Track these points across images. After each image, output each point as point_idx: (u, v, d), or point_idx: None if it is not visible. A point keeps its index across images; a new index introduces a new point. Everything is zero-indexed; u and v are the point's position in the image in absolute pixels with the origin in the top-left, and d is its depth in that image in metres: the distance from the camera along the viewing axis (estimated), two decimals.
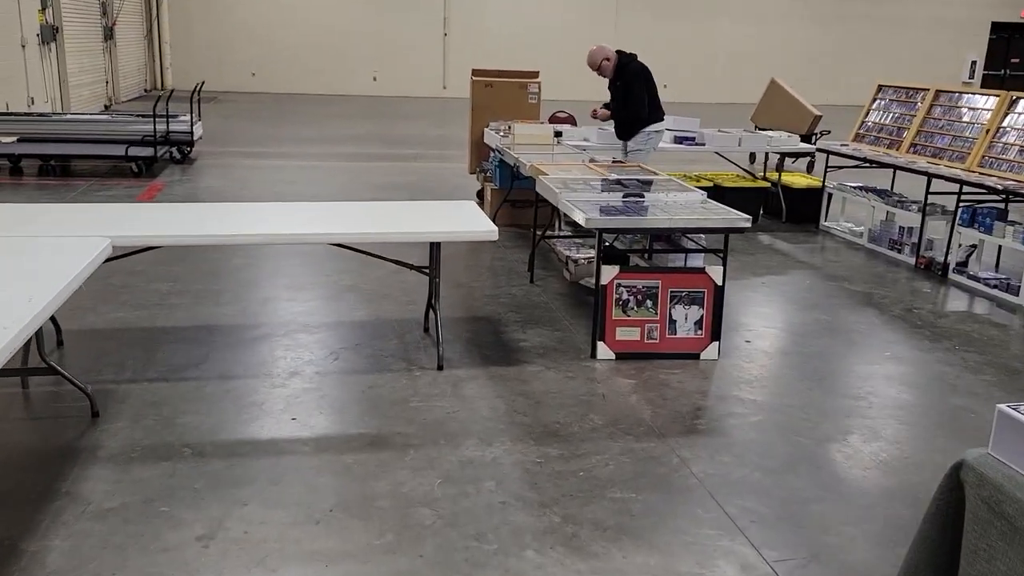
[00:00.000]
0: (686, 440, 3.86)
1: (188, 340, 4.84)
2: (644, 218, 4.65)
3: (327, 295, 5.73)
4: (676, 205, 4.98)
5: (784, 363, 4.83)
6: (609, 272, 4.70)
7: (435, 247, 4.61)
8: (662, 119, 7.35)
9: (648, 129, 7.24)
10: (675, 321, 4.80)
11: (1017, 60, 26.88)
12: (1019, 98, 6.84)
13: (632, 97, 7.02)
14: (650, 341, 4.79)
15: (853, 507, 3.35)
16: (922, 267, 7.01)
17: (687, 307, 4.79)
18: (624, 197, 5.11)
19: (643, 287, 4.74)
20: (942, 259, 6.85)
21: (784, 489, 3.47)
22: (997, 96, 7.04)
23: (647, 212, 4.80)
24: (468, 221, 4.62)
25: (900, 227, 7.43)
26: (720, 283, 4.78)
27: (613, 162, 6.49)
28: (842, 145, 8.51)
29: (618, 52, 7.11)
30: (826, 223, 8.47)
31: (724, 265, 4.79)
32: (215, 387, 4.24)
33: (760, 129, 12.22)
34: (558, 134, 7.65)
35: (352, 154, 12.29)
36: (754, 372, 4.68)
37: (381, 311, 5.45)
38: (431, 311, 4.92)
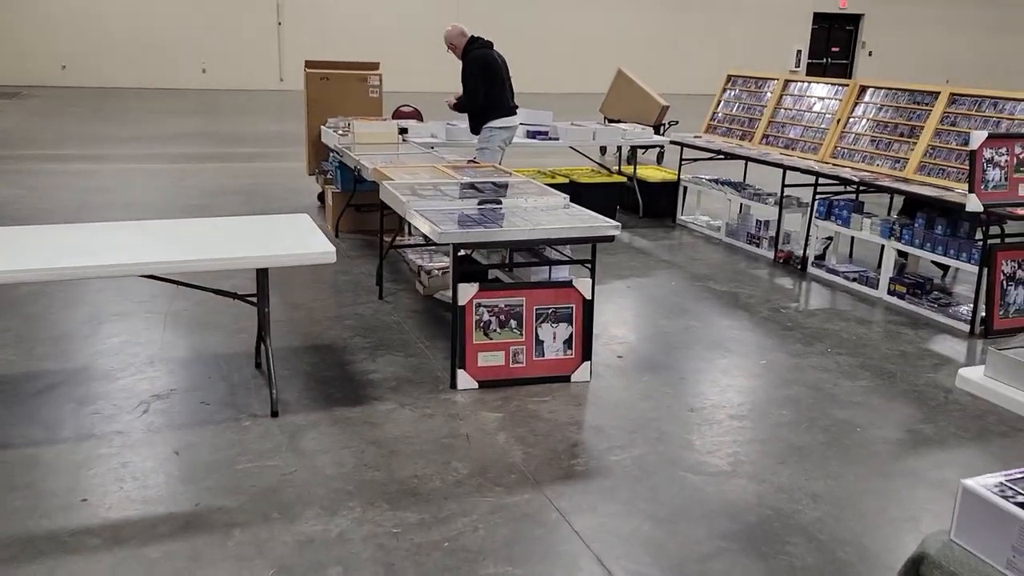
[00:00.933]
0: (564, 487, 3.37)
1: None
2: (504, 229, 4.12)
3: (137, 327, 4.88)
4: (537, 212, 4.49)
5: (660, 381, 4.44)
6: (467, 291, 4.15)
7: (262, 274, 3.90)
8: (508, 115, 6.88)
9: (489, 125, 6.75)
10: (542, 342, 4.31)
11: (837, 49, 28.38)
12: (867, 87, 6.81)
13: (465, 89, 6.55)
14: (516, 365, 4.29)
15: (757, 559, 2.96)
16: (781, 261, 6.89)
17: (555, 325, 4.31)
18: (480, 204, 4.57)
19: (506, 306, 4.22)
20: (800, 253, 6.74)
21: (679, 542, 3.04)
22: (845, 85, 7.00)
23: (506, 221, 4.28)
24: (302, 240, 3.94)
25: (757, 220, 7.30)
26: (589, 297, 4.34)
27: (468, 163, 5.94)
28: (695, 137, 8.34)
29: (472, 38, 6.59)
30: (683, 217, 8.28)
31: (593, 277, 4.35)
32: None
33: (610, 120, 12.04)
34: (403, 131, 7.03)
35: (178, 155, 11.14)
36: (630, 394, 4.27)
37: (204, 344, 4.67)
38: (262, 345, 4.21)
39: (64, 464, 3.39)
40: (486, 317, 4.21)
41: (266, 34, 21.17)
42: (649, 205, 8.48)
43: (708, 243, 7.56)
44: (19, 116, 14.32)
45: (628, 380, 4.44)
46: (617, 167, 8.98)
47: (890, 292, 5.90)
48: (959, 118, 5.94)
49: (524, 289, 4.27)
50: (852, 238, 6.93)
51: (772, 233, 7.09)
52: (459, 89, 6.72)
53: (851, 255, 7.12)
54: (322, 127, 7.46)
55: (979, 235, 5.30)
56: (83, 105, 16.39)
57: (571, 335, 4.34)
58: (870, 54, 27.87)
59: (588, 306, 4.34)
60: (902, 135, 6.31)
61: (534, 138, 8.00)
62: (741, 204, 7.60)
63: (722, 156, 7.73)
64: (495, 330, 4.23)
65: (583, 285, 4.32)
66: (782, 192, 6.91)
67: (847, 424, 4.02)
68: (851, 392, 4.37)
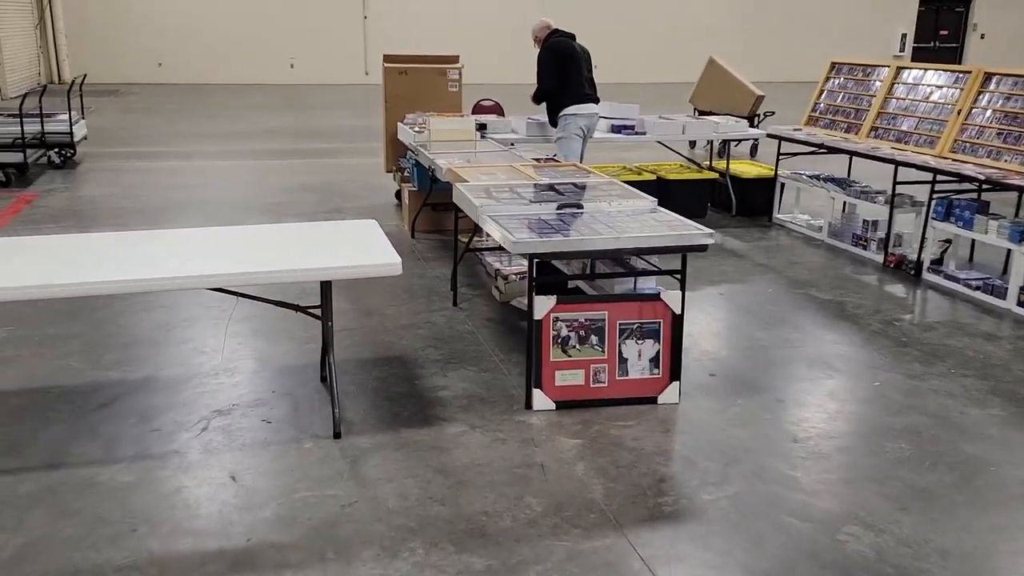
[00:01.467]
0: (650, 531, 3.00)
1: (13, 411, 3.79)
2: (585, 238, 3.76)
3: (204, 335, 4.72)
4: (622, 217, 4.11)
5: (757, 404, 4.01)
6: (544, 304, 3.81)
7: (326, 286, 3.65)
8: (584, 102, 6.56)
9: (565, 113, 6.51)
10: (626, 360, 3.93)
11: (946, 32, 26.77)
12: (992, 75, 6.14)
13: (538, 75, 6.38)
14: (597, 385, 3.92)
15: None
16: (891, 266, 6.30)
17: (640, 342, 3.92)
18: (559, 209, 4.21)
19: (586, 320, 3.86)
20: (914, 257, 6.14)
21: None
22: (968, 73, 6.34)
23: (587, 228, 3.91)
24: (367, 249, 3.67)
25: (864, 220, 6.71)
26: (679, 311, 3.93)
27: (545, 160, 5.59)
28: (794, 129, 7.76)
29: (554, 30, 6.39)
30: (780, 216, 7.73)
31: (683, 290, 3.94)
32: (34, 483, 3.22)
33: (700, 111, 11.49)
34: (481, 127, 6.72)
35: (262, 151, 11.15)
36: (723, 419, 3.85)
37: (270, 355, 4.47)
38: (327, 359, 3.96)
39: (119, 487, 3.21)
40: (564, 332, 3.85)
41: (352, 28, 21.25)
42: (743, 203, 7.95)
43: (808, 245, 7.01)
44: (115, 114, 14.67)
45: (721, 402, 4.01)
46: (708, 162, 8.47)
47: (1020, 303, 5.27)
48: None
49: (607, 302, 3.90)
50: (972, 241, 6.28)
51: (882, 234, 6.49)
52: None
53: (971, 259, 6.47)
54: (399, 123, 7.23)
55: None
56: (176, 102, 16.72)
57: (658, 353, 3.95)
58: (982, 37, 26.19)
59: (678, 321, 3.94)
60: None
61: (619, 132, 7.58)
62: (846, 202, 7.01)
63: (825, 150, 7.15)
64: (574, 346, 3.87)
65: (672, 298, 3.92)
66: (894, 190, 6.31)
67: (979, 461, 3.51)
68: (981, 423, 3.84)
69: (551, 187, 4.65)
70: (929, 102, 6.59)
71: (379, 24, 21.24)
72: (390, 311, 5.19)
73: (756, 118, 11.05)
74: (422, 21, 21.16)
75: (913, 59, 25.05)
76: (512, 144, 6.56)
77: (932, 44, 26.30)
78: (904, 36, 25.75)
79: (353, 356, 4.47)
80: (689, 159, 8.62)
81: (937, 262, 6.08)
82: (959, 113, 6.23)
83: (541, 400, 3.89)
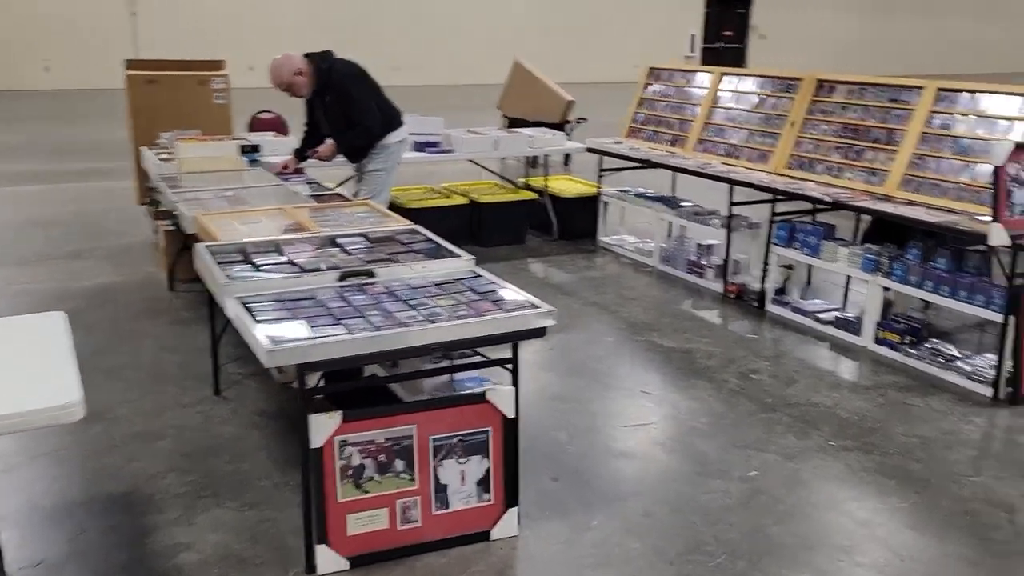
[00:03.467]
0: None
1: None
2: (377, 334, 2.64)
3: None
4: (429, 290, 3.04)
5: (619, 523, 3.07)
6: (324, 426, 2.67)
7: None
8: (402, 123, 5.45)
9: (387, 142, 5.33)
10: (446, 487, 2.87)
11: (731, 33, 27.81)
12: (825, 82, 5.61)
13: (357, 110, 5.07)
14: (408, 526, 2.84)
15: None
16: (733, 296, 5.65)
17: (463, 461, 2.88)
18: (341, 280, 3.07)
19: (387, 440, 2.76)
20: (757, 286, 5.50)
21: None
22: (798, 80, 5.79)
23: (381, 312, 2.81)
24: (34, 377, 2.37)
25: (698, 245, 6.04)
26: (512, 413, 2.92)
27: (329, 198, 4.42)
28: (615, 142, 7.02)
29: (309, 56, 5.06)
30: (605, 239, 6.97)
31: (516, 384, 2.93)
32: None
33: (509, 119, 10.66)
34: (250, 150, 5.42)
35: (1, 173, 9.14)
36: (578, 555, 2.88)
37: None
38: None
39: None
40: (357, 460, 2.73)
41: (117, 25, 18.80)
42: (565, 225, 7.12)
43: (639, 272, 6.26)
44: None
45: (572, 525, 3.05)
46: (524, 179, 7.58)
47: (877, 340, 4.71)
48: (950, 119, 4.79)
49: (413, 412, 2.82)
50: (809, 267, 5.75)
51: (718, 260, 5.84)
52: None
53: (808, 281, 5.95)
54: (142, 148, 5.78)
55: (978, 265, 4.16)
56: None
57: (488, 472, 2.92)
58: (762, 37, 27.39)
59: (511, 427, 2.93)
60: (876, 141, 5.14)
61: (423, 151, 6.51)
62: (676, 225, 6.34)
63: (652, 166, 6.44)
64: (372, 478, 2.76)
65: (502, 397, 2.90)
66: (730, 213, 5.66)
67: None
68: (893, 525, 3.11)
69: (333, 242, 3.50)
70: (759, 112, 6.01)
71: (150, 21, 18.94)
72: (123, 410, 3.84)
73: (568, 125, 10.37)
74: (202, 18, 19.06)
75: (703, 60, 25.75)
76: (297, 171, 5.28)
77: (718, 45, 27.19)
78: (693, 37, 26.45)
79: (52, 501, 3.12)
80: (503, 177, 7.70)
81: (781, 291, 5.48)
82: (792, 125, 5.67)
83: (329, 559, 2.75)
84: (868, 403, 4.08)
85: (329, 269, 3.12)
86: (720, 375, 4.39)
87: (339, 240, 3.50)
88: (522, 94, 10.59)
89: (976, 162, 4.56)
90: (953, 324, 5.08)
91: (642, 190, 6.79)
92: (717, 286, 5.78)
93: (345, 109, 5.06)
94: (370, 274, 3.11)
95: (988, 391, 4.13)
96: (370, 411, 2.76)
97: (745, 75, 6.29)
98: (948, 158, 4.70)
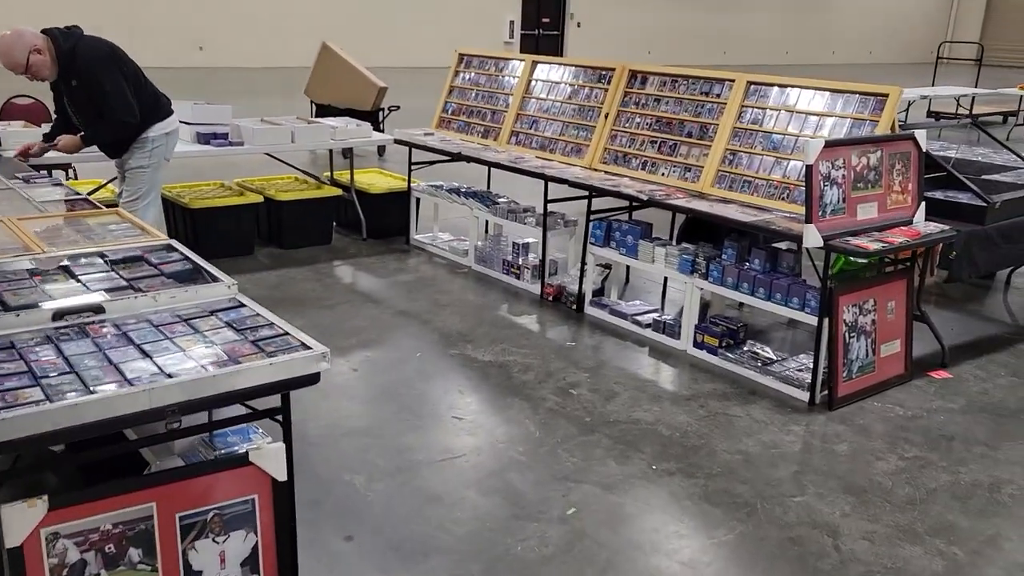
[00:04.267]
0: None
1: None
2: (82, 401, 2.04)
3: None
4: (178, 328, 2.44)
5: None
6: (24, 518, 2.04)
7: None
8: (170, 115, 4.71)
9: (150, 135, 4.59)
10: (200, 574, 2.31)
11: (548, 20, 27.98)
12: (637, 73, 5.39)
13: (107, 99, 4.28)
14: None
15: None
16: (550, 299, 5.35)
17: (222, 539, 2.33)
18: (57, 320, 2.42)
19: (116, 526, 2.17)
20: (575, 288, 5.22)
21: None
22: (611, 70, 5.54)
23: (102, 362, 2.20)
24: None
25: (515, 244, 5.70)
26: (283, 476, 2.40)
27: (77, 202, 3.67)
28: (426, 134, 6.56)
29: (47, 32, 4.24)
30: (418, 237, 6.50)
31: (289, 441, 2.41)
32: None
33: (318, 105, 9.96)
34: None
35: None
36: None
37: None
38: None
39: None
40: (75, 556, 2.13)
41: None
42: (374, 223, 6.59)
43: (455, 274, 5.85)
44: None
45: None
46: (329, 173, 6.97)
47: (696, 344, 4.54)
48: (761, 113, 4.66)
49: (152, 487, 2.23)
50: (627, 267, 5.55)
51: (535, 260, 5.52)
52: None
53: (627, 280, 5.76)
54: None
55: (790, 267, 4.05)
56: None
57: (255, 549, 2.39)
58: (579, 25, 27.74)
59: (283, 491, 2.41)
60: (690, 136, 4.96)
61: (208, 143, 5.77)
62: (492, 223, 5.97)
63: (464, 160, 6.02)
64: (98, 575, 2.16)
65: (269, 457, 2.37)
66: (546, 210, 5.35)
67: None
68: (713, 559, 2.85)
69: (65, 270, 2.81)
70: (572, 103, 5.72)
71: None
72: None
73: (380, 113, 9.80)
74: None
75: (522, 47, 25.75)
76: (46, 172, 4.42)
77: (536, 31, 27.27)
78: (512, 23, 26.38)
79: None
80: (304, 172, 7.05)
81: (599, 292, 5.23)
82: (606, 117, 5.42)
83: None
84: (690, 416, 3.86)
85: (43, 304, 2.46)
86: (538, 392, 4.05)
87: (69, 263, 2.82)
88: (331, 80, 9.91)
89: (787, 159, 4.46)
90: (767, 322, 5.01)
91: (456, 185, 6.37)
92: (535, 288, 5.47)
93: (93, 97, 4.28)
94: (97, 309, 2.48)
95: (805, 395, 4.02)
96: (87, 492, 2.15)
97: (558, 64, 5.99)
98: (760, 154, 4.58)
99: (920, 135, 4.16)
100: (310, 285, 5.49)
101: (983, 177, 5.32)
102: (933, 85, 16.39)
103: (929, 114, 15.40)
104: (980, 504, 3.22)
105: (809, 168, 3.75)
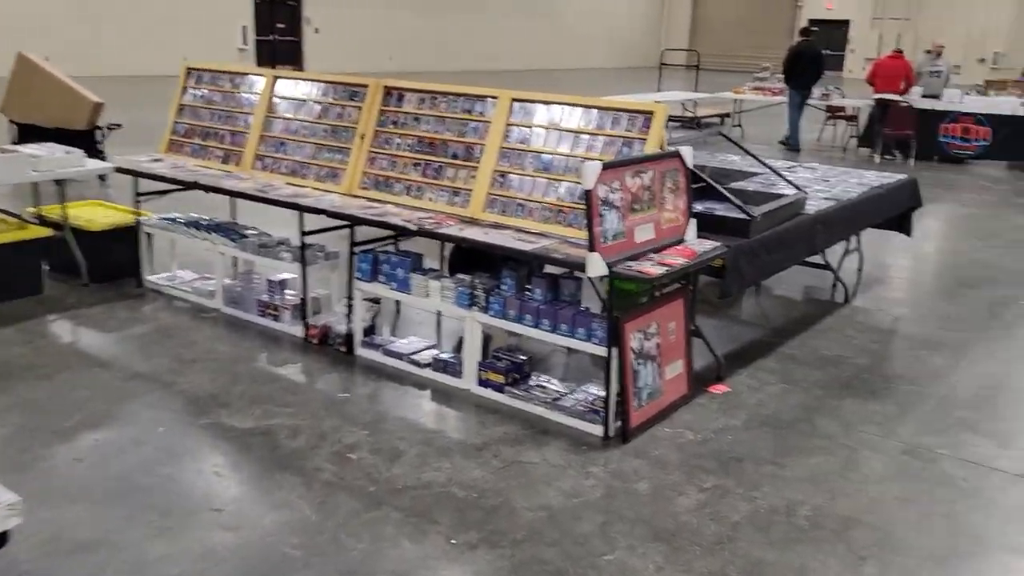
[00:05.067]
0: None
1: None
2: None
3: None
4: None
5: None
6: None
7: None
8: None
9: None
10: None
11: (283, 25, 26.79)
12: (393, 90, 4.97)
13: None
14: None
15: None
16: (316, 342, 4.80)
17: None
18: None
19: None
20: (343, 328, 4.72)
21: None
22: (363, 87, 5.08)
23: None
24: None
25: (270, 281, 5.08)
26: None
27: None
28: (154, 160, 5.72)
29: None
30: (152, 278, 5.65)
31: None
32: None
33: (19, 126, 8.56)
34: None
35: None
36: None
37: None
38: None
39: None
40: None
41: None
42: (98, 264, 5.64)
43: (201, 320, 5.12)
44: None
45: None
46: (35, 207, 5.89)
47: (481, 382, 4.22)
48: (528, 132, 4.43)
49: None
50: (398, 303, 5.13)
51: (295, 299, 4.95)
52: None
53: (399, 312, 5.35)
54: None
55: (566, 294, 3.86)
56: None
57: None
58: (316, 31, 26.82)
59: None
60: (455, 158, 4.63)
61: None
62: (241, 259, 5.30)
63: (203, 190, 5.28)
64: None
65: None
66: (303, 243, 4.79)
67: None
68: None
69: None
70: (324, 123, 5.19)
71: None
72: None
73: (99, 132, 8.60)
74: None
75: (258, 55, 24.44)
76: None
77: (271, 37, 25.99)
78: (245, 28, 24.94)
79: None
80: (2, 210, 5.91)
81: (370, 330, 4.77)
82: (363, 139, 4.96)
83: None
84: (484, 469, 3.52)
85: None
86: (311, 461, 3.52)
87: None
88: (33, 95, 8.54)
89: (560, 180, 4.26)
90: (548, 348, 4.82)
91: (195, 217, 5.61)
92: (297, 330, 4.89)
93: None
94: None
95: (599, 429, 3.84)
96: None
97: (302, 79, 5.43)
98: (531, 176, 4.35)
99: (686, 152, 4.13)
100: (17, 350, 4.54)
101: (736, 186, 5.49)
102: (659, 90, 17.50)
103: None
104: (781, 532, 3.17)
105: (588, 193, 3.55)
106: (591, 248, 3.57)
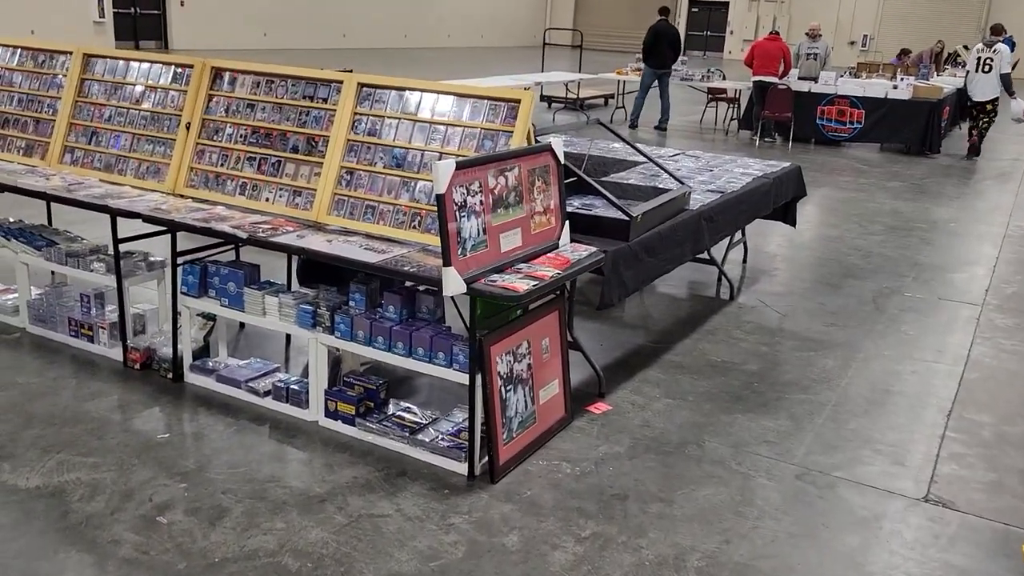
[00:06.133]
0: None
1: None
2: None
3: None
4: None
5: None
6: None
7: None
8: None
9: None
10: None
11: None
12: (223, 71, 4.27)
13: None
14: None
15: None
16: (138, 366, 4.10)
17: None
18: None
19: None
20: (169, 350, 4.04)
21: None
22: (189, 67, 4.36)
23: None
24: None
25: (83, 295, 4.33)
26: None
27: None
28: None
29: None
30: None
31: None
32: None
33: None
34: None
35: None
36: None
37: None
38: None
39: None
40: None
41: None
42: None
43: (1, 343, 4.32)
44: None
45: None
46: None
47: (329, 413, 3.64)
48: (379, 123, 3.84)
49: None
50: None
51: (112, 317, 4.22)
52: None
53: (241, 328, 4.68)
54: None
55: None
56: None
57: None
58: (182, 3, 25.11)
59: None
60: (296, 152, 4.00)
61: None
62: (50, 270, 4.51)
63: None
64: None
65: None
66: (117, 253, 4.06)
67: None
68: None
69: None
70: (144, 110, 4.45)
71: None
72: None
73: None
74: None
75: (117, 29, 22.69)
76: None
77: (132, 10, 24.16)
78: (101, 0, 23.05)
79: None
80: None
81: (203, 351, 4.10)
82: (188, 129, 4.25)
83: None
84: (326, 529, 2.96)
85: None
86: (109, 530, 2.87)
87: None
88: None
89: (415, 178, 3.70)
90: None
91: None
92: (116, 353, 4.17)
93: None
94: None
95: (463, 467, 3.33)
96: None
97: (116, 58, 4.65)
98: (383, 173, 3.77)
99: (557, 145, 3.64)
100: None
101: (615, 179, 5.07)
102: (543, 71, 17.09)
103: (542, 98, 16.00)
104: None
105: (441, 198, 3.01)
106: (446, 262, 3.03)
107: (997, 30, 12.36)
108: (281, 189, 3.97)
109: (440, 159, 3.41)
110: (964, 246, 7.34)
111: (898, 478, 3.50)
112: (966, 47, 22.38)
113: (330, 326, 3.55)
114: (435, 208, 3.46)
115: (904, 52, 18.96)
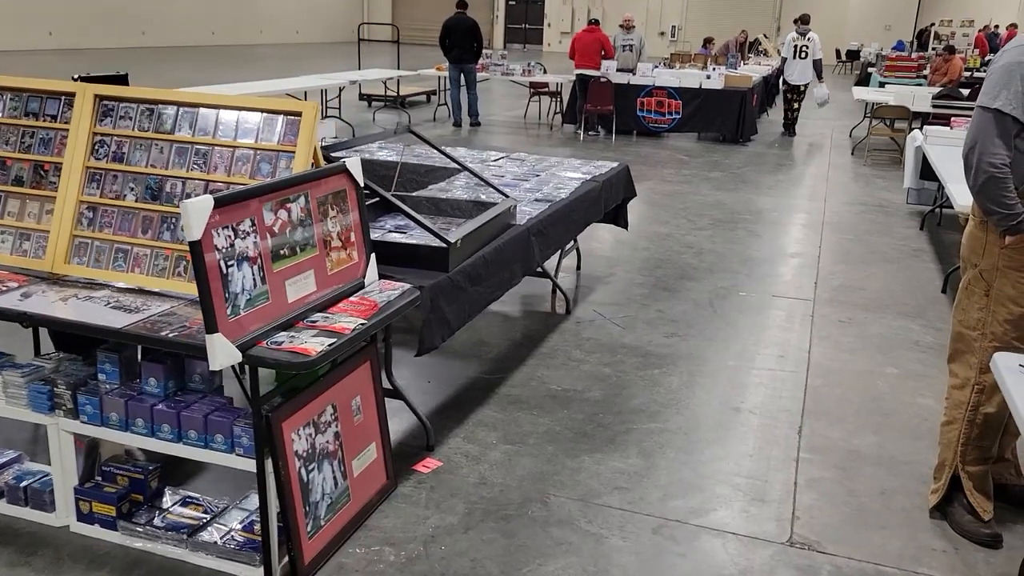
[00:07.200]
0: None
1: None
2: None
3: None
4: None
5: None
6: None
7: None
8: None
9: None
10: None
11: None
12: (105, 97, 3.35)
13: None
14: None
15: None
16: None
17: None
18: None
19: None
20: None
21: None
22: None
23: None
24: None
25: None
26: None
27: None
28: None
29: None
30: None
31: None
32: None
33: None
34: None
35: None
36: None
37: None
38: None
39: None
40: None
41: None
42: None
43: None
44: None
45: None
46: None
47: (83, 517, 2.86)
48: (127, 145, 3.08)
49: None
50: None
51: None
52: None
53: None
54: None
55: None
56: None
57: None
58: None
59: None
60: (20, 183, 3.15)
61: None
62: None
63: None
64: None
65: None
66: None
67: None
68: None
69: None
70: None
71: None
72: None
73: None
74: None
75: None
76: None
77: None
78: None
79: None
80: None
81: None
82: None
83: None
84: None
85: None
86: None
87: None
88: None
89: (178, 214, 2.98)
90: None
91: None
92: None
93: None
94: None
95: (258, 574, 2.67)
96: None
97: None
98: (136, 208, 3.02)
99: (353, 164, 3.03)
100: None
101: (431, 193, 4.52)
102: (360, 68, 16.30)
103: (361, 97, 15.23)
104: None
105: (196, 246, 2.33)
106: (209, 328, 2.35)
107: (806, 19, 12.91)
108: (3, 232, 3.12)
109: (207, 189, 2.73)
110: (788, 236, 7.33)
111: (759, 520, 3.16)
112: (766, 36, 23.53)
113: (73, 408, 2.78)
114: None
115: (708, 41, 19.59)
